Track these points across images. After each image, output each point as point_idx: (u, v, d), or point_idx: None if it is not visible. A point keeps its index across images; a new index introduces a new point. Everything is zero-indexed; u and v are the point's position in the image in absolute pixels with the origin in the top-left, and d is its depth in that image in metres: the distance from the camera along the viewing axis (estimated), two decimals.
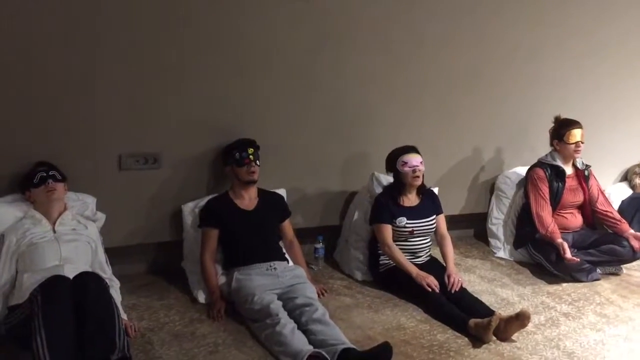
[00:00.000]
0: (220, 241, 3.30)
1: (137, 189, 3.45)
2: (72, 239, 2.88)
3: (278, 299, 2.96)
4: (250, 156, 3.33)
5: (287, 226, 3.53)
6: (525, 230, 4.06)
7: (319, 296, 3.27)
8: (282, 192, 3.68)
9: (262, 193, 3.46)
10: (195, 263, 3.34)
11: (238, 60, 3.55)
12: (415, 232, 3.49)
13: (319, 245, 3.86)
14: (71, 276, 2.59)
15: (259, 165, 3.37)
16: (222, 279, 3.26)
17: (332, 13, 3.76)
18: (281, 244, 3.50)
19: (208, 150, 3.56)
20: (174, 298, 3.30)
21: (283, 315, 2.80)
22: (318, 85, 3.83)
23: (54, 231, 2.87)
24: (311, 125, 3.86)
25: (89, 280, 2.57)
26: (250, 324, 2.95)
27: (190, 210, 3.46)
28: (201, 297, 3.25)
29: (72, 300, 2.45)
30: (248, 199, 3.39)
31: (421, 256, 3.55)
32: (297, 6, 3.65)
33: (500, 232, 4.35)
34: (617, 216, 4.04)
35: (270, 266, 3.19)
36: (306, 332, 2.75)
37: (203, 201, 3.43)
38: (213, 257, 3.27)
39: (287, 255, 3.43)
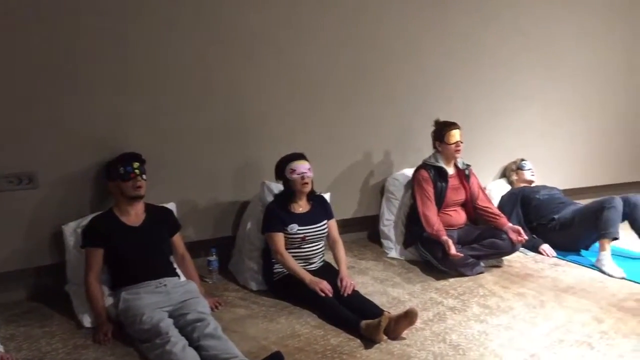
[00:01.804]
0: (106, 261, 3.17)
1: (12, 212, 3.25)
2: None
3: (169, 316, 2.89)
4: (136, 170, 3.23)
5: (178, 240, 3.45)
6: (413, 229, 4.21)
7: (212, 310, 3.23)
8: (171, 205, 3.60)
9: (149, 208, 3.35)
10: (79, 285, 3.18)
11: (121, 71, 3.45)
12: (307, 238, 3.52)
13: (213, 258, 3.80)
14: None
15: (145, 180, 3.27)
16: (109, 300, 3.12)
17: (222, 20, 3.74)
18: (172, 259, 3.41)
19: (90, 166, 3.42)
20: (57, 324, 3.12)
21: (173, 333, 2.72)
22: (205, 95, 3.79)
23: None
24: (199, 137, 3.81)
25: None
26: (139, 345, 2.85)
27: (72, 230, 3.30)
28: (86, 321, 3.10)
29: None
30: (134, 215, 3.27)
31: (314, 262, 3.59)
32: (186, 14, 3.60)
33: (391, 233, 4.48)
34: (496, 211, 4.29)
35: (160, 283, 3.10)
36: (198, 348, 2.70)
37: (86, 220, 3.28)
38: (98, 278, 3.13)
39: (178, 271, 3.35)
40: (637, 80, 5.92)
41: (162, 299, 3.00)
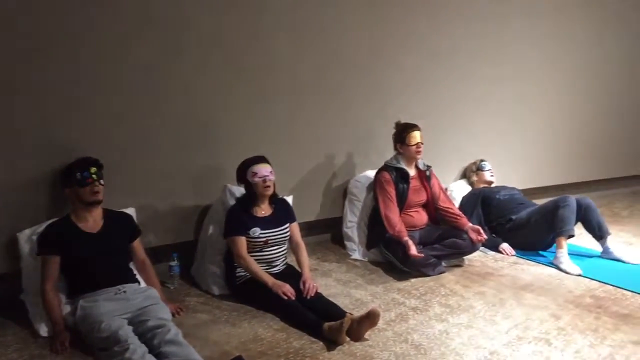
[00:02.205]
0: (63, 268, 3.09)
1: None
2: None
3: (129, 323, 2.84)
4: (93, 175, 3.16)
5: (138, 246, 3.39)
6: (376, 231, 4.24)
7: (174, 316, 3.19)
8: (130, 211, 3.54)
9: (107, 213, 3.29)
10: (35, 294, 3.09)
11: (77, 74, 3.38)
12: (269, 241, 3.51)
13: (174, 263, 3.75)
14: None
15: (103, 185, 3.21)
16: (66, 309, 3.06)
17: (174, 28, 3.70)
18: (132, 265, 3.36)
19: (45, 172, 3.34)
20: (12, 334, 3.04)
21: (133, 341, 2.68)
22: (164, 99, 3.75)
23: None
24: (159, 141, 3.77)
25: None
26: (98, 354, 2.79)
27: (27, 237, 3.21)
28: (43, 331, 3.03)
29: None
30: (92, 221, 3.21)
31: (277, 265, 3.58)
32: (143, 18, 3.56)
33: (354, 234, 4.50)
34: (457, 211, 4.35)
35: (119, 290, 3.04)
36: (159, 355, 2.66)
37: (41, 227, 3.20)
38: (55, 286, 3.06)
39: (138, 277, 3.30)
40: (591, 81, 6.08)
41: (121, 305, 2.95)
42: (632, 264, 4.28)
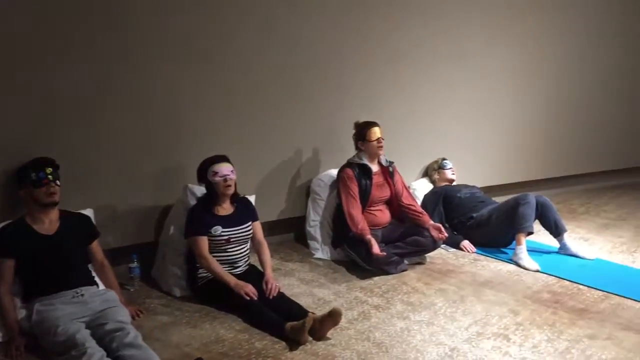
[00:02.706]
0: (18, 272, 3.01)
1: None
2: None
3: (87, 327, 2.80)
4: (49, 176, 3.08)
5: (96, 248, 3.32)
6: (340, 230, 4.25)
7: (133, 318, 3.14)
8: (88, 212, 3.46)
9: (64, 215, 3.21)
10: None
11: (32, 70, 3.30)
12: (231, 240, 3.48)
13: (134, 265, 3.69)
14: None
15: (59, 186, 3.13)
16: (21, 313, 2.98)
17: (140, 23, 3.65)
18: (91, 267, 3.29)
19: None
20: None
21: (90, 345, 2.63)
22: (124, 97, 3.69)
23: None
24: (118, 140, 3.71)
25: None
26: (54, 358, 2.73)
27: None
28: None
29: None
30: (48, 223, 3.13)
31: (240, 266, 3.55)
32: (104, 14, 3.51)
33: (318, 233, 4.50)
34: (419, 209, 4.39)
35: (77, 293, 2.98)
36: (118, 358, 2.64)
37: None
38: (10, 290, 2.98)
39: (97, 279, 3.24)
40: (548, 81, 6.20)
41: (78, 309, 2.89)
42: (587, 259, 4.39)
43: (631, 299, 3.67)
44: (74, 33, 3.43)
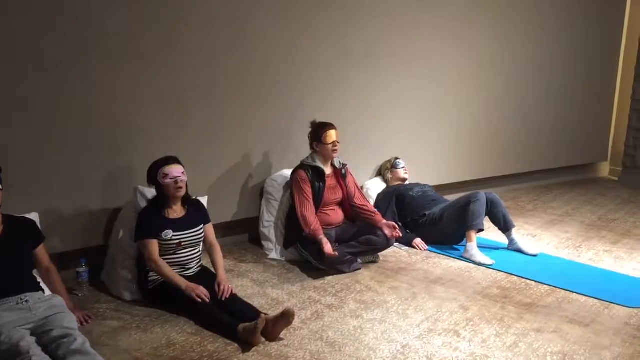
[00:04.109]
0: None
1: None
2: None
3: (32, 334, 2.70)
4: None
5: (42, 252, 3.21)
6: (293, 230, 4.25)
7: (82, 324, 3.08)
8: (33, 216, 3.36)
9: (7, 219, 3.10)
10: None
11: None
12: (183, 243, 3.44)
13: (82, 269, 3.60)
14: None
15: (2, 190, 3.02)
16: None
17: (83, 23, 3.57)
18: (36, 272, 3.20)
19: None
20: None
21: (35, 352, 2.55)
22: (71, 96, 3.59)
23: None
24: (64, 141, 3.61)
25: None
26: None
27: None
28: None
29: None
30: None
31: (191, 268, 3.51)
32: (44, 14, 3.41)
33: (271, 234, 4.49)
34: (372, 209, 4.43)
35: (21, 299, 2.87)
36: None
37: None
38: None
39: (43, 285, 3.14)
40: (498, 82, 6.35)
41: (23, 316, 2.79)
42: (531, 254, 4.50)
43: (576, 292, 3.80)
44: (14, 30, 3.32)
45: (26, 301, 2.88)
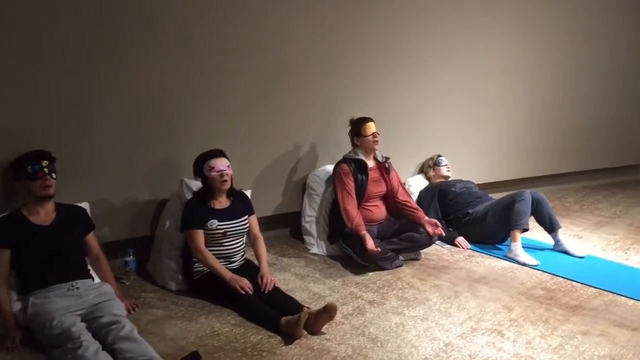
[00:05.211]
0: (14, 264, 3.00)
1: None
2: None
3: (82, 320, 2.79)
4: (45, 169, 3.07)
5: (92, 240, 3.31)
6: (336, 225, 4.26)
7: (129, 312, 3.15)
8: (84, 205, 3.45)
9: (60, 207, 3.21)
10: None
11: (28, 64, 3.28)
12: (228, 233, 3.48)
13: (129, 258, 3.69)
14: None
15: (55, 179, 3.12)
16: (17, 305, 2.98)
17: (136, 19, 3.63)
18: (87, 260, 3.29)
19: None
20: None
21: (86, 338, 2.63)
22: (120, 92, 3.67)
23: None
24: (114, 134, 3.70)
25: None
26: (50, 351, 2.73)
27: None
28: None
29: None
30: (44, 214, 3.11)
31: (236, 260, 3.55)
32: (95, 9, 3.49)
33: (313, 229, 4.51)
34: (415, 205, 4.40)
35: (72, 286, 2.97)
36: (113, 351, 2.63)
37: None
38: (5, 282, 2.96)
39: (92, 272, 3.23)
40: (545, 80, 6.22)
41: (74, 302, 2.89)
42: (578, 256, 4.41)
43: (624, 296, 3.70)
44: (69, 26, 3.41)
45: (77, 288, 2.98)
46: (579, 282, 3.90)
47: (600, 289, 3.80)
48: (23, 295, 2.99)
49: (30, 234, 3.02)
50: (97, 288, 3.04)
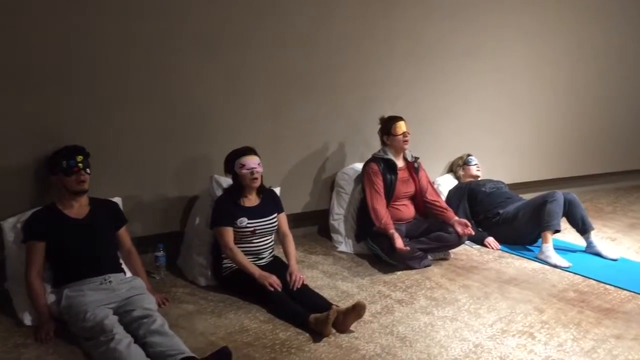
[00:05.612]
0: (48, 256, 3.07)
1: None
2: None
3: (114, 313, 2.84)
4: (80, 164, 3.13)
5: (124, 235, 3.37)
6: (364, 223, 4.25)
7: (159, 306, 3.19)
8: (117, 200, 3.51)
9: (93, 201, 3.27)
10: (20, 282, 3.07)
11: (65, 63, 3.35)
12: (257, 231, 3.50)
13: (160, 254, 3.74)
14: None
15: (89, 174, 3.18)
16: (51, 298, 3.04)
17: (167, 20, 3.67)
18: (119, 254, 3.34)
19: (30, 159, 3.30)
20: None
21: (118, 331, 2.67)
22: (152, 90, 3.72)
23: None
24: (146, 131, 3.75)
25: None
26: (83, 343, 2.79)
27: (11, 226, 3.17)
28: (27, 319, 3.01)
29: None
30: (78, 207, 3.17)
31: (264, 257, 3.57)
32: (131, 13, 3.54)
33: (341, 227, 4.51)
34: (444, 205, 4.37)
35: (105, 279, 3.02)
36: (144, 345, 2.66)
37: (26, 215, 3.17)
38: (40, 274, 3.03)
39: (124, 266, 3.28)
40: (577, 79, 6.11)
41: (106, 295, 2.94)
42: (611, 259, 4.33)
43: None
44: (108, 26, 3.47)
45: (109, 281, 3.02)
46: (612, 285, 3.83)
47: (634, 292, 3.72)
48: (57, 288, 3.06)
49: (65, 227, 3.08)
50: (129, 282, 3.09)
